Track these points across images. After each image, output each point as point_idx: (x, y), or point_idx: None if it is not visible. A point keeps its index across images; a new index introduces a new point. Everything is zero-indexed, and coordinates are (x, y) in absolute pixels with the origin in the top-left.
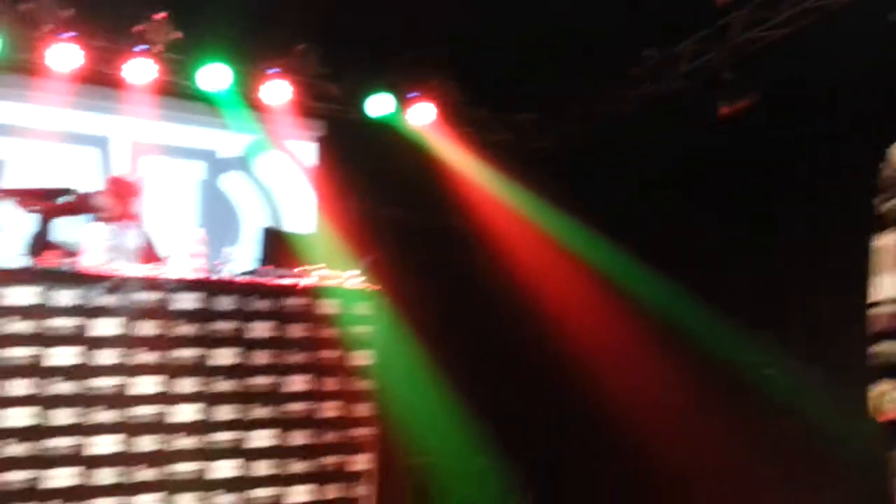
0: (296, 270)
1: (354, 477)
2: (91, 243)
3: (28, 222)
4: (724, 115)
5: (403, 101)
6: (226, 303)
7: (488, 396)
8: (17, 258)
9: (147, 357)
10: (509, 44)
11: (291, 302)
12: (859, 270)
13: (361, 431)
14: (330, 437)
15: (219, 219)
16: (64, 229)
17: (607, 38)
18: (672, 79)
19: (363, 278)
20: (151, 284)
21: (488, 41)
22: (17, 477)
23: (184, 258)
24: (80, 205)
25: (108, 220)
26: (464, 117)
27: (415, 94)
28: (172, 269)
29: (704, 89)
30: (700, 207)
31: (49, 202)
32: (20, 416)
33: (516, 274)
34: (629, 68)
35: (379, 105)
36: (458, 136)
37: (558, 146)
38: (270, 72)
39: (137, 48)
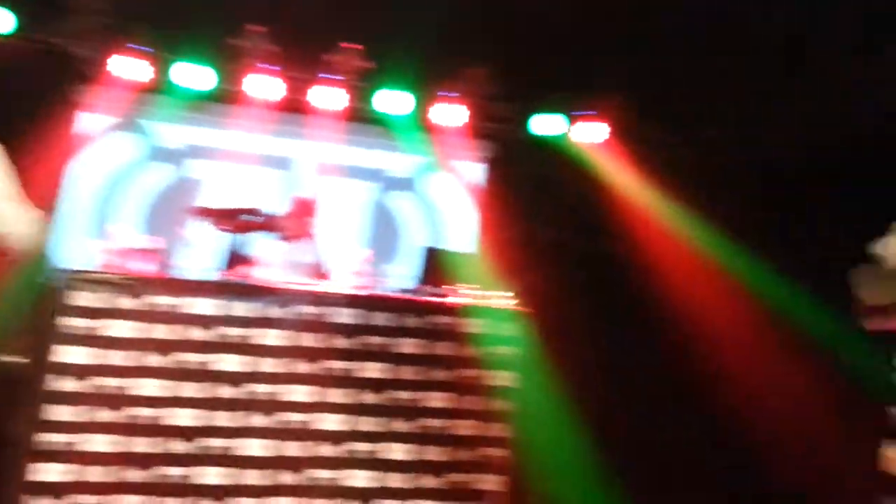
0: (449, 289)
1: (483, 496)
2: (269, 259)
3: (219, 238)
4: None
5: (574, 120)
6: (380, 319)
7: (634, 428)
8: (205, 271)
9: (304, 367)
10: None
11: (441, 320)
12: None
13: (494, 451)
14: (463, 454)
15: (385, 237)
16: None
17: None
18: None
19: (515, 300)
20: (315, 299)
21: (667, 57)
22: (175, 472)
23: (347, 275)
24: (266, 224)
25: (289, 238)
26: (640, 135)
27: (587, 112)
28: (335, 285)
29: None
30: None
31: (239, 221)
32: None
33: (677, 304)
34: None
35: (548, 124)
36: (631, 156)
37: (754, 165)
38: (446, 94)
39: (327, 76)
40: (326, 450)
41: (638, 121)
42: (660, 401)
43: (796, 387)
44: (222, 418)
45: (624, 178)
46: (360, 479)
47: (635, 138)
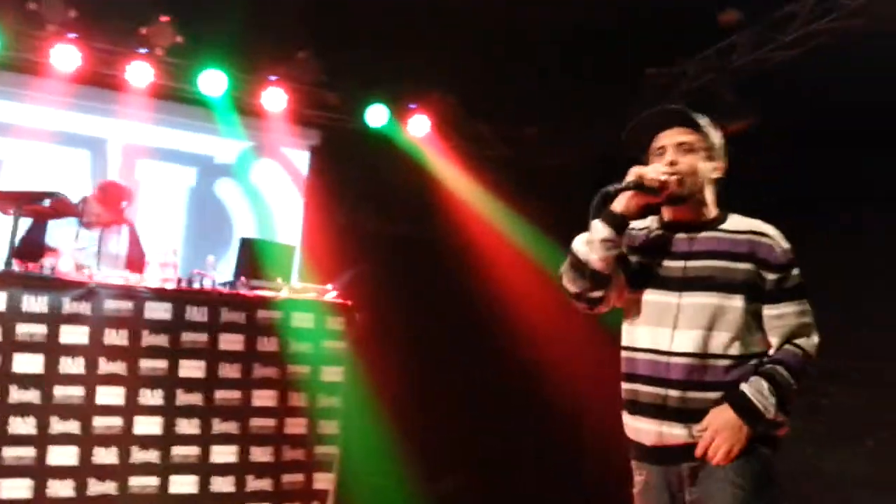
0: (268, 282)
1: (314, 495)
2: (71, 248)
3: (12, 225)
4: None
5: (401, 113)
6: (196, 314)
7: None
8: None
9: (112, 367)
10: (509, 61)
11: (261, 314)
12: None
13: (324, 449)
14: (292, 454)
15: (209, 226)
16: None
17: (611, 55)
18: (672, 98)
19: (338, 292)
20: (123, 292)
21: (486, 57)
22: None
23: (162, 267)
24: (63, 209)
25: (94, 225)
26: (462, 131)
27: (411, 106)
28: (147, 278)
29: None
30: None
31: (31, 205)
32: None
33: (495, 287)
34: (631, 86)
35: (376, 115)
36: (453, 150)
37: (560, 164)
38: (269, 79)
39: (138, 51)
40: (143, 456)
41: (461, 116)
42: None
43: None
44: (20, 425)
45: (447, 171)
46: (183, 485)
47: (459, 134)
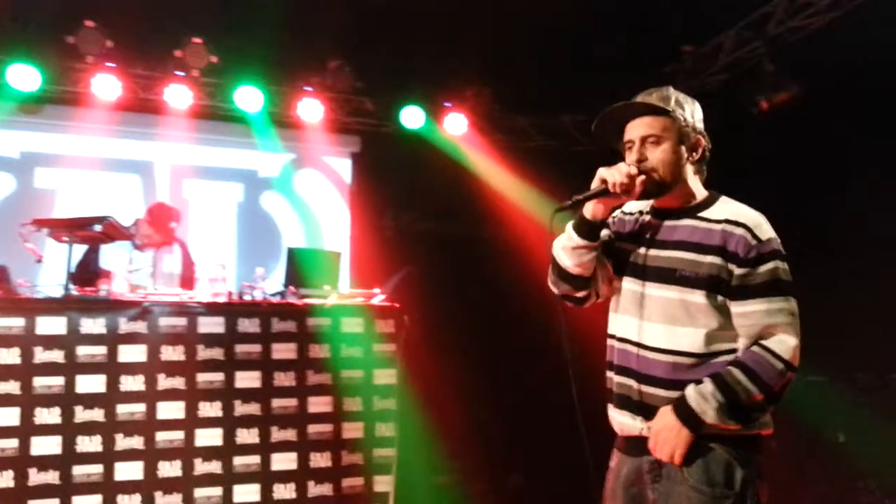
0: (317, 290)
1: (374, 498)
2: (126, 270)
3: (70, 252)
4: (763, 110)
5: (437, 112)
6: (249, 325)
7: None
8: (55, 288)
9: (171, 382)
10: (541, 50)
11: (311, 322)
12: None
13: (382, 452)
14: (350, 458)
15: (257, 239)
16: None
17: (645, 36)
18: (709, 73)
19: (387, 296)
20: (177, 309)
21: (520, 45)
22: None
23: (213, 282)
24: (114, 232)
25: (148, 246)
26: (499, 125)
27: (446, 104)
28: (199, 293)
29: (743, 83)
30: None
31: (83, 231)
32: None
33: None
34: (666, 65)
35: (412, 117)
36: (492, 145)
37: (600, 149)
38: (304, 90)
39: (175, 74)
40: (205, 467)
41: (497, 110)
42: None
43: None
44: (87, 444)
45: (487, 166)
46: (246, 493)
47: (497, 128)
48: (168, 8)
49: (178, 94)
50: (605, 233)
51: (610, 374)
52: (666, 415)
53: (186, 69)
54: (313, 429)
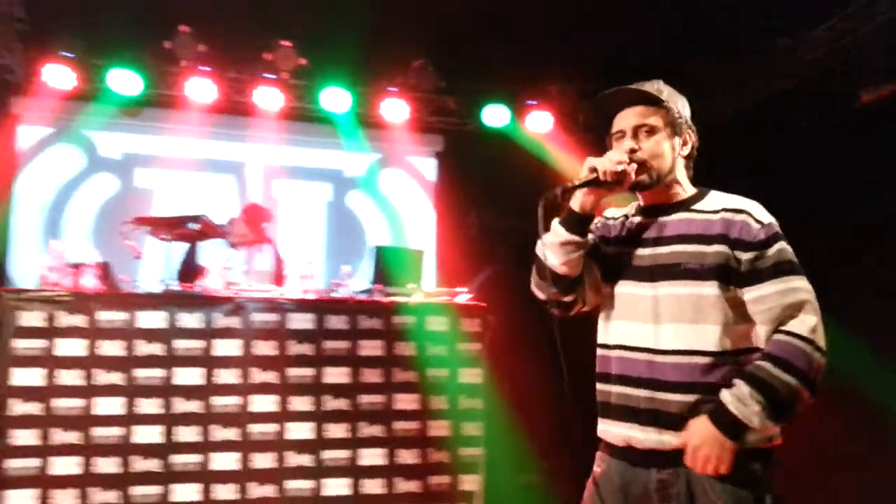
0: (403, 288)
1: (460, 497)
2: (222, 267)
3: (171, 249)
4: (865, 103)
5: (521, 110)
6: (337, 322)
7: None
8: (156, 283)
9: (264, 376)
10: (630, 44)
11: (398, 320)
12: None
13: (468, 451)
14: (437, 456)
15: (344, 237)
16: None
17: (741, 27)
18: (806, 66)
19: (472, 294)
20: (269, 305)
21: (604, 43)
22: (144, 491)
23: (303, 279)
24: (208, 230)
25: (240, 244)
26: (584, 122)
27: (530, 102)
28: (290, 290)
29: (844, 75)
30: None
31: (180, 229)
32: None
33: None
34: (763, 58)
35: (496, 115)
36: (577, 143)
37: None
38: (388, 90)
39: (265, 76)
40: (297, 459)
41: (581, 107)
42: None
43: None
44: (186, 433)
45: (572, 164)
46: (336, 487)
47: (580, 125)
48: (257, 13)
49: (268, 96)
50: (589, 237)
51: (605, 385)
52: (704, 426)
53: (276, 72)
54: (400, 426)
